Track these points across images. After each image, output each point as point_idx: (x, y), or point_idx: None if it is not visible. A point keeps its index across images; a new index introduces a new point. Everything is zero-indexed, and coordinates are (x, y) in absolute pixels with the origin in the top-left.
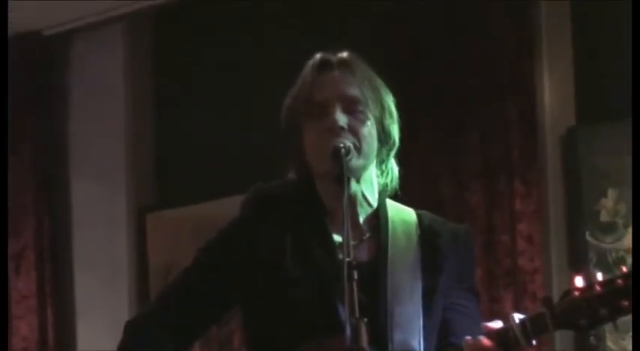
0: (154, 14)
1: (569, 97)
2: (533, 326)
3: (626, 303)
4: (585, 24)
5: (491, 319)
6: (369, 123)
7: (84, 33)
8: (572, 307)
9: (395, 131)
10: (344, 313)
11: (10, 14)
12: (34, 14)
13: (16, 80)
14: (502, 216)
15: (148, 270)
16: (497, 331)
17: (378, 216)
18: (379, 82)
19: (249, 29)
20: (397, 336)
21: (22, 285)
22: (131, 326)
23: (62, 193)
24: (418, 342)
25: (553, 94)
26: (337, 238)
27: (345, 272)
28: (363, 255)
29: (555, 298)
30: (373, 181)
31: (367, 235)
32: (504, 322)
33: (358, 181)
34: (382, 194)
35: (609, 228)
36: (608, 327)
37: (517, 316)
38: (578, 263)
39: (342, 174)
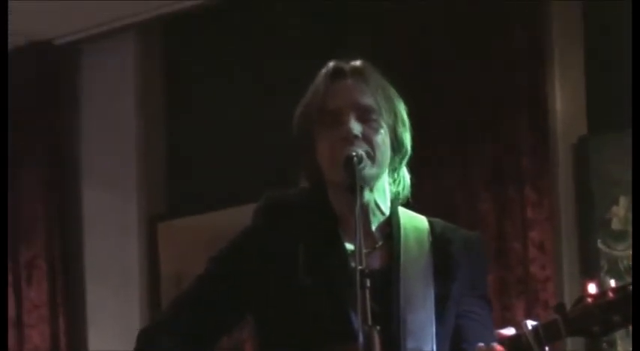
0: (163, 23)
1: (581, 105)
2: (546, 333)
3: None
4: (597, 33)
5: (503, 327)
6: (382, 131)
7: (95, 42)
8: (584, 314)
9: (407, 139)
10: (356, 321)
11: (20, 24)
12: (45, 24)
13: (28, 90)
14: (514, 224)
15: (159, 279)
16: (510, 338)
17: (391, 224)
18: (392, 91)
19: (259, 37)
20: (410, 344)
21: (34, 294)
22: (144, 335)
23: (73, 203)
24: (431, 349)
25: (565, 103)
26: (349, 246)
27: (358, 280)
28: (376, 263)
29: (568, 306)
30: (386, 189)
31: (380, 243)
32: (517, 329)
33: (371, 190)
34: (394, 202)
35: (621, 236)
36: (619, 333)
37: (530, 323)
38: (589, 271)
39: (354, 182)
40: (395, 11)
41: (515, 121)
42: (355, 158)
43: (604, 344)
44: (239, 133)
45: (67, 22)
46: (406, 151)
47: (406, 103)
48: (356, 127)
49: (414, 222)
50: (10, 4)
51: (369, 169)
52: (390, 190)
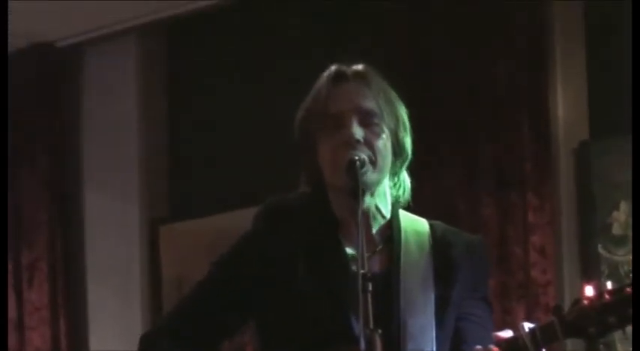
0: (166, 26)
1: (583, 110)
2: (543, 335)
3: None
4: (599, 37)
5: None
6: (384, 136)
7: (97, 45)
8: (581, 316)
9: (408, 144)
10: (357, 324)
11: (22, 26)
12: (46, 26)
13: (29, 92)
14: (515, 228)
15: (160, 282)
16: (507, 340)
17: (391, 227)
18: (393, 95)
19: (261, 39)
20: (410, 347)
21: (35, 296)
22: (145, 340)
23: (75, 205)
24: None
25: (566, 108)
26: (349, 250)
27: (360, 284)
28: (376, 266)
29: (566, 309)
30: (386, 193)
31: (380, 246)
32: (514, 332)
33: (372, 195)
34: (395, 206)
35: (621, 241)
36: (618, 335)
37: (527, 325)
38: (590, 276)
39: (356, 187)
40: (395, 11)
41: (516, 126)
42: (358, 162)
43: (601, 346)
44: (241, 136)
45: (68, 24)
46: (407, 155)
47: (406, 106)
48: (358, 132)
49: (414, 225)
50: (11, 6)
51: (370, 174)
52: (391, 194)
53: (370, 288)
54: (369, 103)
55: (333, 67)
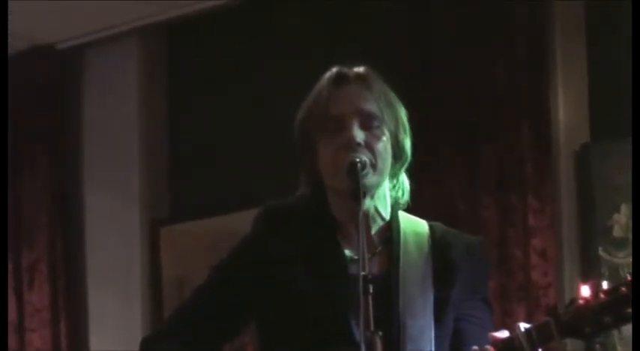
0: (166, 27)
1: (584, 113)
2: (539, 335)
3: (629, 310)
4: (600, 38)
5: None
6: (384, 139)
7: (97, 46)
8: (577, 316)
9: (408, 146)
10: (356, 326)
11: (23, 28)
12: (47, 28)
13: (30, 94)
14: (515, 231)
15: (161, 283)
16: (504, 341)
17: (391, 229)
18: (394, 97)
19: (262, 40)
20: (409, 348)
21: (35, 298)
22: (146, 344)
23: (75, 207)
24: None
25: (567, 111)
26: (348, 252)
27: (361, 286)
28: (375, 268)
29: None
30: (386, 195)
31: (379, 248)
32: (510, 332)
33: (372, 197)
34: (394, 207)
35: (622, 243)
36: (617, 337)
37: (523, 326)
38: (590, 278)
39: (358, 189)
40: (395, 11)
41: (517, 128)
42: (359, 164)
43: (597, 346)
44: (241, 136)
45: (69, 26)
46: (406, 157)
47: (406, 107)
48: (359, 135)
49: (414, 227)
50: (12, 7)
51: (370, 177)
52: (390, 196)
53: (371, 290)
54: (370, 106)
55: (335, 69)
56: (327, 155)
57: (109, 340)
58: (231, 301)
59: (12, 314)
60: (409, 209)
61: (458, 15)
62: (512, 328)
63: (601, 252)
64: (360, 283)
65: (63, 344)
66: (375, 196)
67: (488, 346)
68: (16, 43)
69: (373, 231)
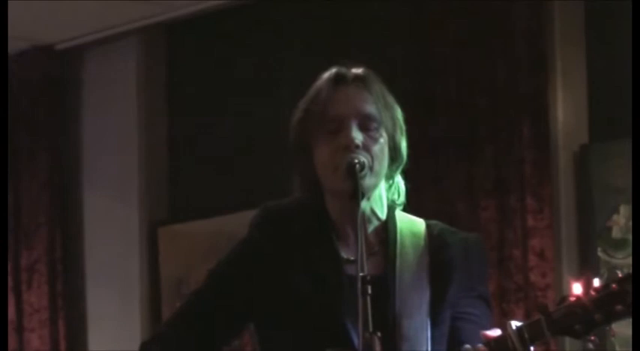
0: (166, 28)
1: (583, 113)
2: (530, 333)
3: (620, 307)
4: (600, 41)
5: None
6: (382, 141)
7: (97, 47)
8: (567, 313)
9: (404, 148)
10: (352, 326)
11: (22, 28)
12: (47, 29)
13: (29, 95)
14: (514, 232)
15: (159, 284)
16: (496, 339)
17: (387, 229)
18: (391, 99)
19: (262, 42)
20: (405, 348)
21: (34, 298)
22: (145, 348)
23: (75, 207)
24: None
25: (566, 111)
26: (344, 253)
27: (359, 287)
28: (372, 268)
29: None
30: (382, 196)
31: (376, 248)
32: (503, 331)
33: (369, 199)
34: (391, 208)
35: (621, 244)
36: (618, 339)
37: (514, 324)
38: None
39: (357, 190)
40: (395, 12)
41: (516, 129)
42: (357, 165)
43: (589, 344)
44: (240, 137)
45: (69, 26)
46: (402, 159)
47: (405, 108)
48: (358, 137)
49: (410, 226)
50: (12, 8)
51: (368, 179)
52: (387, 197)
53: (370, 291)
54: (369, 108)
55: (333, 70)
56: (325, 156)
57: (107, 341)
58: (229, 303)
59: (11, 314)
60: (408, 210)
61: (457, 15)
62: (504, 327)
63: (600, 253)
64: (359, 284)
65: (62, 344)
66: (372, 198)
67: (480, 345)
68: (15, 44)
69: (369, 231)
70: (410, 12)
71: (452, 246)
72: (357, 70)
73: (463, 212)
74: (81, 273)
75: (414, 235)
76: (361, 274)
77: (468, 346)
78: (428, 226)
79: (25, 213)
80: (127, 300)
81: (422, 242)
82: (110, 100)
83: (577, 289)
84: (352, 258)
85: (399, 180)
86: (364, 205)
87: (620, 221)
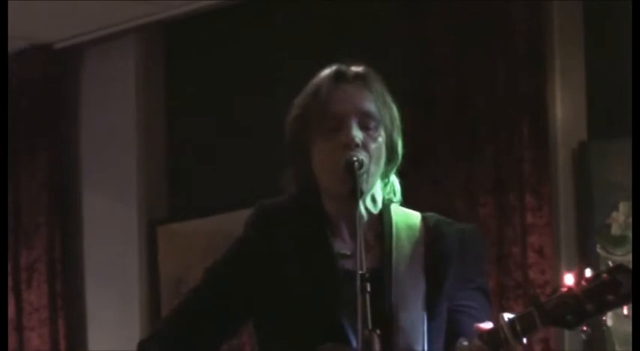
0: (164, 26)
1: (581, 111)
2: (522, 325)
3: (611, 297)
4: (598, 39)
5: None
6: (380, 140)
7: (95, 46)
8: (559, 304)
9: (400, 148)
10: (347, 322)
11: (20, 28)
12: (46, 27)
13: (28, 94)
14: (513, 229)
15: (159, 282)
16: (488, 332)
17: (382, 223)
18: (389, 97)
19: (261, 39)
20: (402, 341)
21: (34, 297)
22: (143, 346)
23: (74, 206)
24: (422, 346)
25: (565, 109)
26: (338, 248)
27: (358, 285)
28: (368, 262)
29: None
30: (377, 195)
31: (371, 242)
32: (495, 323)
33: (365, 197)
34: (386, 203)
35: (620, 241)
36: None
37: (506, 316)
38: None
39: (356, 187)
40: (394, 12)
41: (515, 127)
42: (357, 163)
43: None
44: (240, 136)
45: (68, 25)
46: (398, 159)
47: (405, 106)
48: (358, 135)
49: (406, 219)
50: (11, 7)
51: (366, 177)
52: (382, 196)
53: (369, 289)
54: (369, 106)
55: (334, 67)
56: (324, 153)
57: (107, 339)
58: (226, 301)
59: (10, 313)
60: (406, 208)
61: (457, 14)
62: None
63: (599, 250)
64: (358, 282)
65: (61, 343)
66: (367, 196)
67: (476, 340)
68: (14, 43)
69: (366, 226)
70: (410, 12)
71: (448, 237)
72: (358, 68)
73: (462, 210)
74: (80, 272)
75: (410, 227)
76: (360, 272)
77: (464, 342)
78: (424, 219)
79: (25, 212)
80: (126, 299)
81: (418, 234)
82: (109, 99)
83: (569, 279)
84: (348, 252)
85: (394, 179)
86: (360, 203)
87: (620, 218)
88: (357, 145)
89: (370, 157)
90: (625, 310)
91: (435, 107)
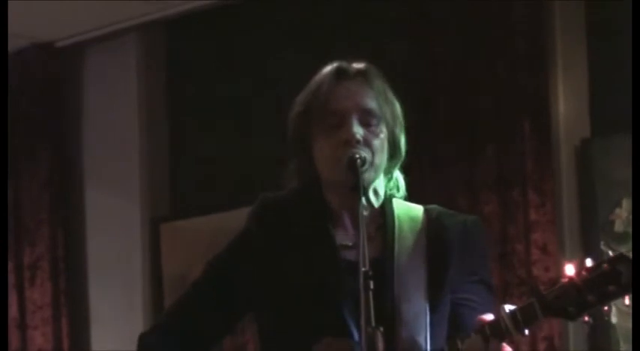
0: (166, 24)
1: (584, 108)
2: (524, 316)
3: (612, 287)
4: (600, 36)
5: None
6: (382, 136)
7: (97, 45)
8: (560, 295)
9: (403, 144)
10: (349, 315)
11: (22, 26)
12: (47, 26)
13: (29, 93)
14: (517, 226)
15: (162, 280)
16: (490, 323)
17: (384, 215)
18: (391, 94)
19: (262, 38)
20: (404, 332)
21: (37, 295)
22: (143, 339)
23: (76, 204)
24: (424, 338)
25: (567, 106)
26: (340, 239)
27: (361, 282)
28: (370, 253)
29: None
30: (379, 190)
31: (373, 233)
32: (496, 315)
33: (367, 193)
34: (388, 196)
35: (624, 237)
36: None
37: (508, 307)
38: None
39: (358, 183)
40: (395, 11)
41: (518, 124)
42: (359, 160)
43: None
44: (241, 134)
45: (69, 23)
46: (401, 155)
47: (408, 104)
48: (359, 131)
49: (408, 211)
50: (12, 6)
51: (368, 174)
52: (385, 191)
53: (372, 286)
54: (371, 103)
55: (336, 64)
56: (326, 150)
57: (110, 337)
58: (227, 295)
59: (13, 311)
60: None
61: (458, 12)
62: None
63: (602, 246)
64: (361, 280)
65: (64, 341)
66: (370, 192)
67: (474, 335)
68: (15, 41)
69: (368, 219)
70: (410, 12)
71: (450, 228)
72: (359, 65)
73: (466, 207)
74: (83, 270)
75: (412, 219)
76: (363, 269)
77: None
78: (426, 211)
79: (27, 210)
80: (129, 297)
81: (420, 226)
82: (111, 97)
83: (569, 269)
84: (350, 243)
85: (398, 175)
86: (363, 198)
87: (623, 215)
88: (357, 142)
89: (372, 154)
90: (627, 300)
91: (437, 105)
